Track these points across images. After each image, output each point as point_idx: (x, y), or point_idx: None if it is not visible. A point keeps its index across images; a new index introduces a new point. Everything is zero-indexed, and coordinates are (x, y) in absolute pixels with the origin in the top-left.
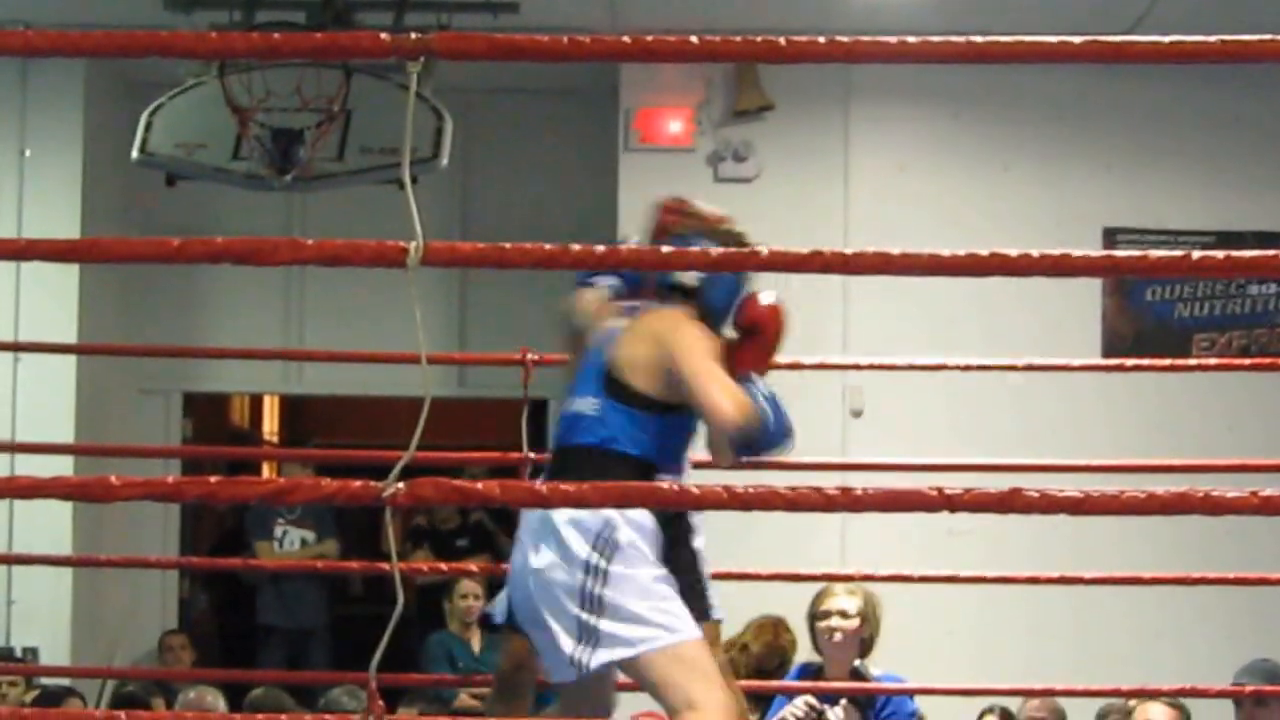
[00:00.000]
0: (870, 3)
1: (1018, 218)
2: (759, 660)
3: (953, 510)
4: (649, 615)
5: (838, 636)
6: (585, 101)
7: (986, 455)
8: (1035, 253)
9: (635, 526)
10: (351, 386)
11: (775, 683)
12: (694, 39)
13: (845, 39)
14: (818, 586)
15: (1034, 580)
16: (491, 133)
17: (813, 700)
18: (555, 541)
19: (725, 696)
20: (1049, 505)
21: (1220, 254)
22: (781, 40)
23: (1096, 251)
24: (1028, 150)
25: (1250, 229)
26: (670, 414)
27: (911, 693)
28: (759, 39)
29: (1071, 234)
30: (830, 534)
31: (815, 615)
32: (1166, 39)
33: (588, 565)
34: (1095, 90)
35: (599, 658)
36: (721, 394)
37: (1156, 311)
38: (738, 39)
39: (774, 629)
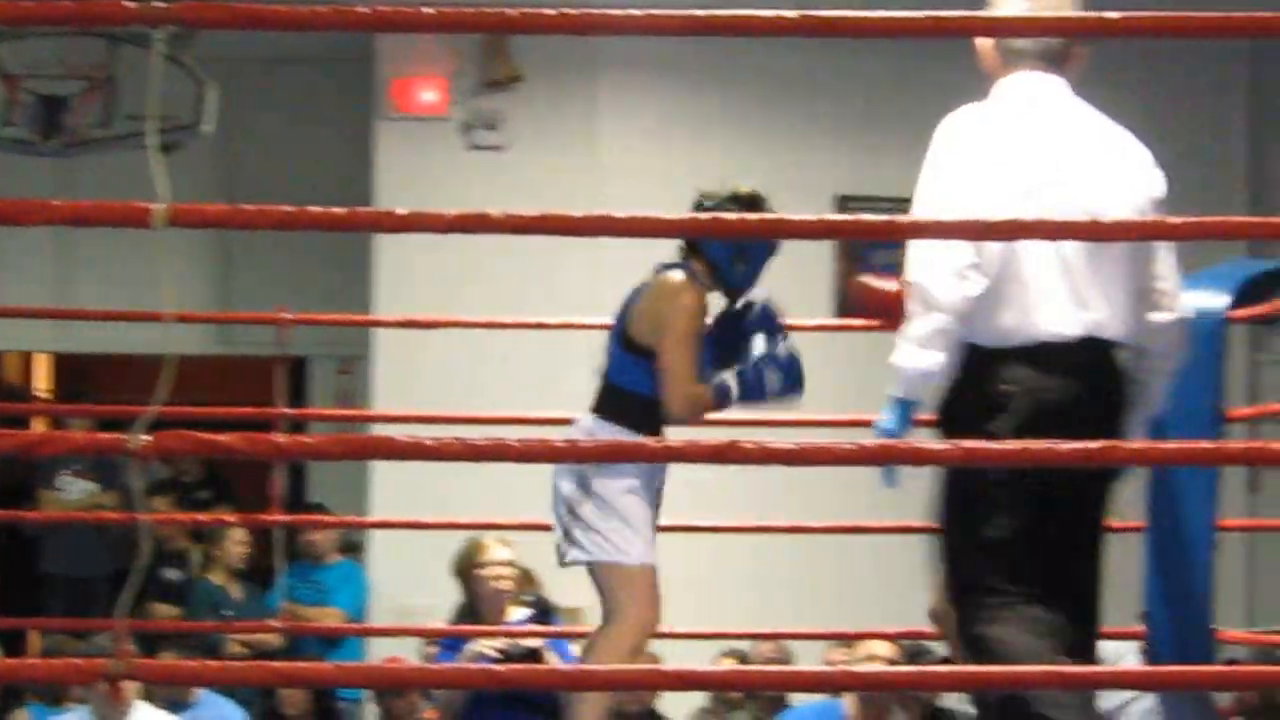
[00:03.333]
0: None
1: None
2: None
3: (672, 461)
4: (607, 533)
5: (501, 586)
6: (344, 70)
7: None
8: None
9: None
10: (121, 345)
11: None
12: (431, 10)
13: (590, 11)
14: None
15: (759, 529)
16: (255, 100)
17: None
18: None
19: (650, 616)
20: (765, 456)
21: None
22: (516, 13)
23: (814, 215)
24: (766, 119)
25: None
26: None
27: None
28: (504, 11)
29: (806, 201)
30: None
31: (474, 565)
32: (876, 14)
33: (579, 477)
34: (829, 60)
35: (571, 555)
36: (675, 390)
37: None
38: (482, 10)
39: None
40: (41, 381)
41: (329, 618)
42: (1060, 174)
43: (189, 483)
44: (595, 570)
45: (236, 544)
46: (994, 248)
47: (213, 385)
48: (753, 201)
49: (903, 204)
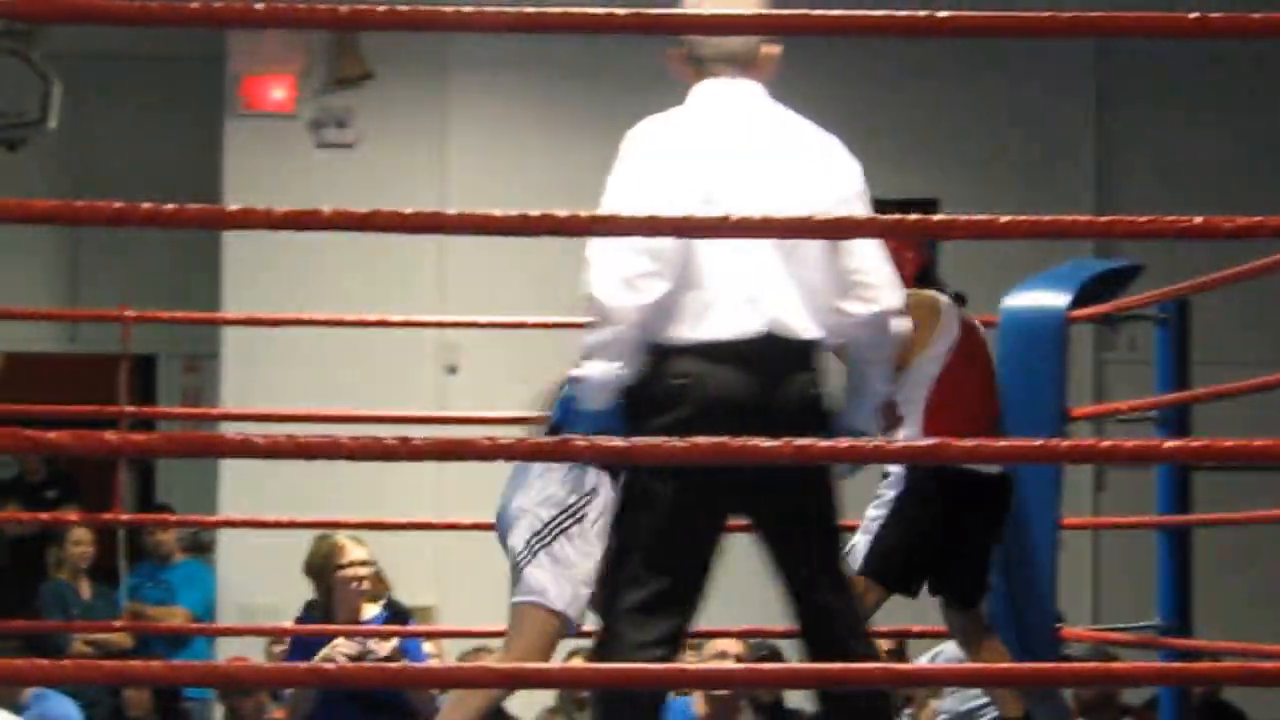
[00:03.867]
0: None
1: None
2: None
3: (507, 459)
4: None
5: (364, 585)
6: (194, 68)
7: None
8: (584, 213)
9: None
10: None
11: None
12: (286, 6)
13: (436, 9)
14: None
15: None
16: (108, 98)
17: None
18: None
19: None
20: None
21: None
22: (365, 9)
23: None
24: (616, 119)
25: None
26: None
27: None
28: (353, 7)
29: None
30: (425, 483)
31: (332, 566)
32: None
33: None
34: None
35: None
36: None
37: None
38: (331, 7)
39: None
40: None
41: (175, 617)
42: (740, 177)
43: (34, 483)
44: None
45: (78, 544)
46: (671, 253)
47: (60, 384)
48: None
49: None
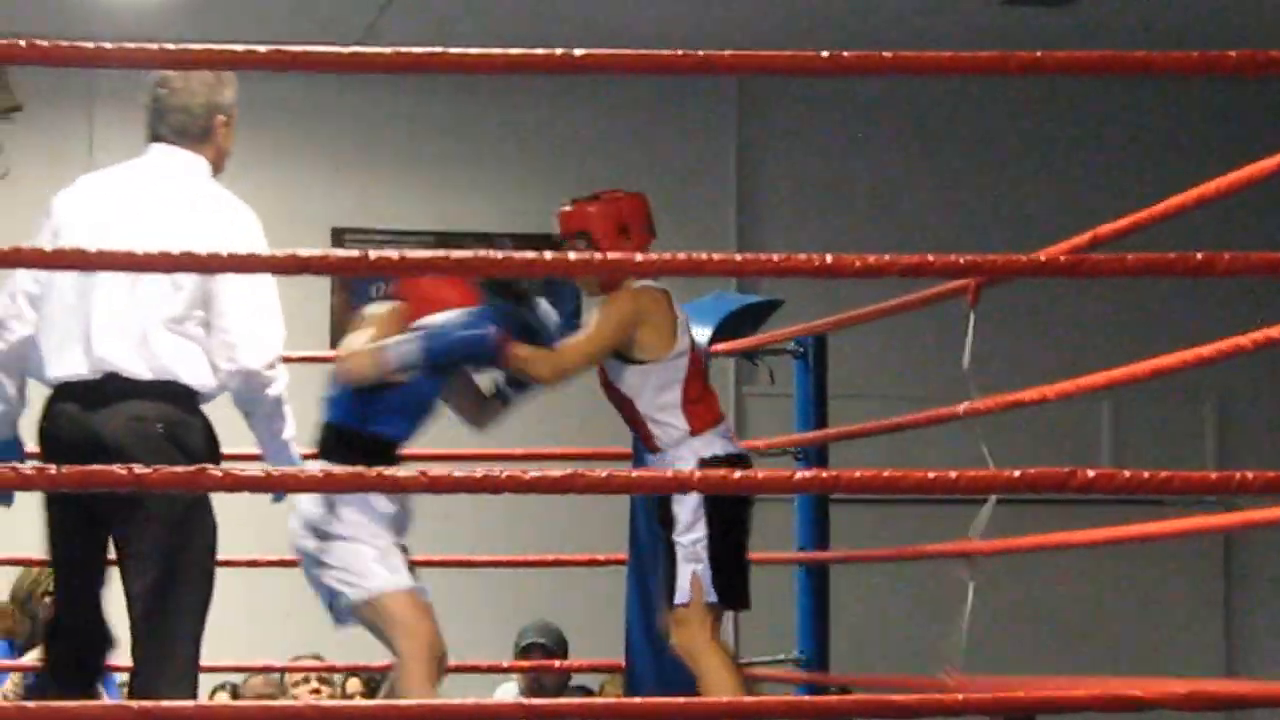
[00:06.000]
0: (113, 6)
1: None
2: None
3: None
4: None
5: None
6: None
7: None
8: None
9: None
10: None
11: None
12: None
13: (89, 45)
14: None
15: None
16: None
17: None
18: None
19: (421, 640)
20: None
21: (442, 253)
22: (23, 43)
23: (324, 250)
24: (263, 151)
25: (469, 230)
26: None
27: None
28: (7, 41)
29: (303, 234)
30: None
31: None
32: (389, 50)
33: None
34: (326, 94)
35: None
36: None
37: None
38: None
39: (9, 616)
40: None
41: None
42: (97, 221)
43: None
44: (356, 612)
45: None
46: (29, 295)
47: None
48: None
49: (397, 236)
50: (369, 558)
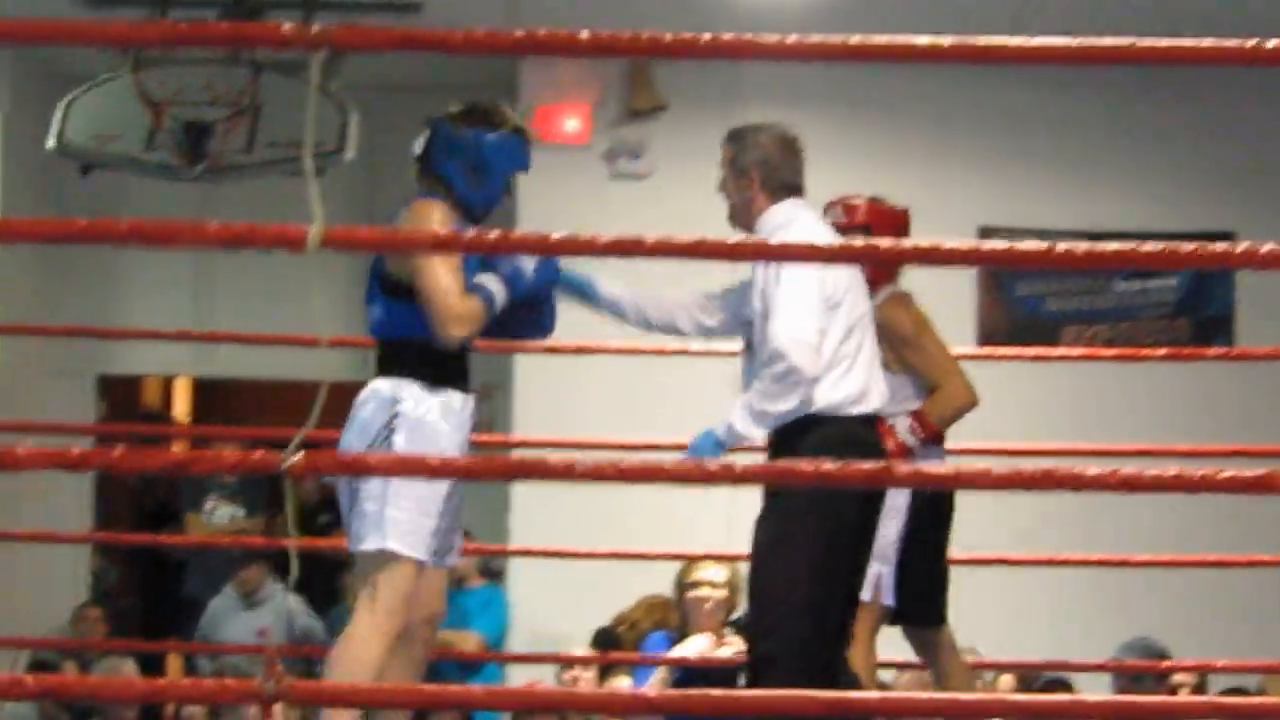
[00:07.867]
0: (755, 6)
1: None
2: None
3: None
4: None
5: (709, 605)
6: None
7: None
8: (908, 243)
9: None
10: (260, 369)
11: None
12: (584, 34)
13: (729, 37)
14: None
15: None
16: (396, 129)
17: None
18: None
19: (392, 625)
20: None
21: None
22: (668, 37)
23: (962, 243)
24: (910, 149)
25: (1118, 229)
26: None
27: None
28: (652, 35)
29: (951, 231)
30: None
31: (685, 585)
32: (1031, 41)
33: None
34: (973, 91)
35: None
36: (441, 308)
37: (1029, 305)
38: (633, 35)
39: (664, 608)
40: (181, 406)
41: (468, 642)
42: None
43: (309, 507)
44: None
45: None
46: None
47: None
48: (486, 115)
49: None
50: (409, 511)
